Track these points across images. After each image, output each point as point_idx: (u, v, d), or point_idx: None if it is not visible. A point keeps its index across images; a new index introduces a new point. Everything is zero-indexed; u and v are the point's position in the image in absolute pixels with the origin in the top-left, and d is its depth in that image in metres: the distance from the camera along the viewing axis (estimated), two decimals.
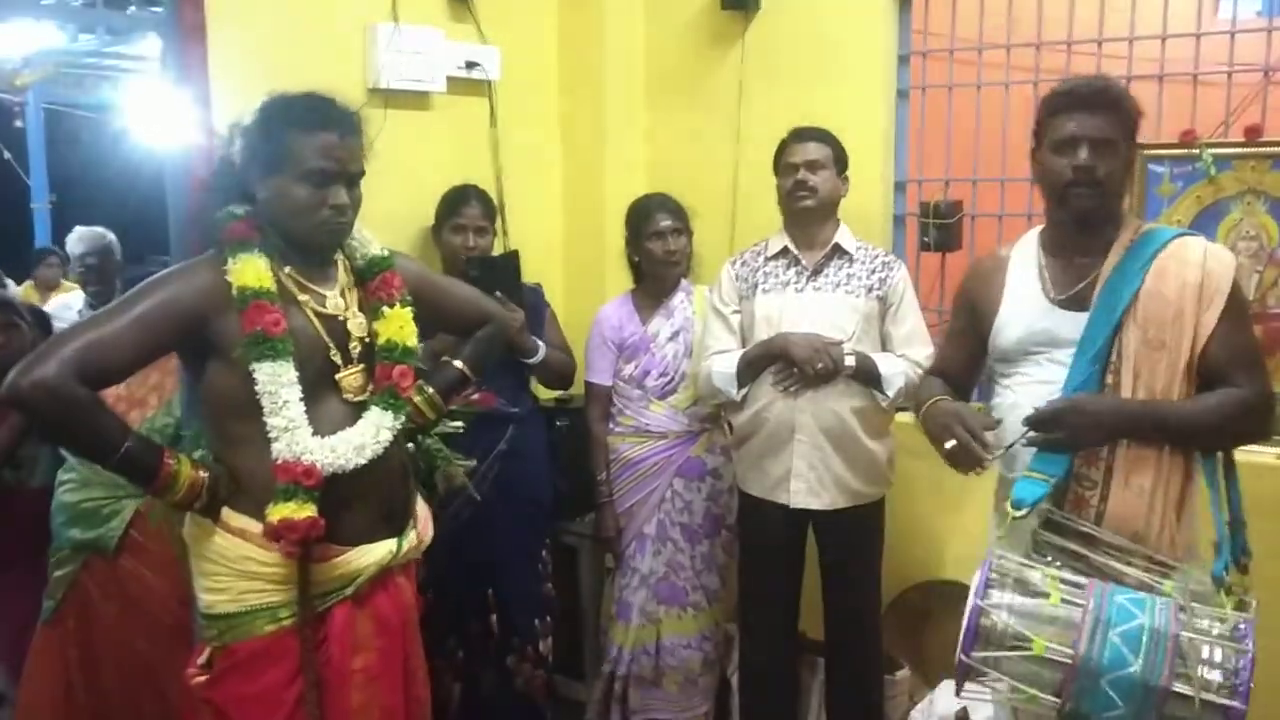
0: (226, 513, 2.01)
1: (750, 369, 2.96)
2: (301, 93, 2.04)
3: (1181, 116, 2.98)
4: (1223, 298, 2.06)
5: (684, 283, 3.34)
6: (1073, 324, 2.12)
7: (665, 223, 3.22)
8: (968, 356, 2.38)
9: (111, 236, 4.35)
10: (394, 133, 3.18)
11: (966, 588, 2.34)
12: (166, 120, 2.86)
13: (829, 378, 2.87)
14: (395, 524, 2.14)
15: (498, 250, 3.35)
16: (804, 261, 3.00)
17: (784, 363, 2.91)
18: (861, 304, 2.96)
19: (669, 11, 3.77)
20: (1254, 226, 2.87)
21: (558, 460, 3.43)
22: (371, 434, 2.04)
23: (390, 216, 3.24)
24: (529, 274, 3.25)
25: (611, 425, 3.33)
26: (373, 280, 2.16)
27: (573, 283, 3.80)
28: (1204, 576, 1.99)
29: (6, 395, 1.81)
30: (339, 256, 2.15)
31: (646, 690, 3.33)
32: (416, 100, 3.34)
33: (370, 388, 2.10)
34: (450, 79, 3.38)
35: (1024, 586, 1.87)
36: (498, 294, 2.98)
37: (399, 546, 2.12)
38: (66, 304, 5.02)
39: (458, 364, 2.36)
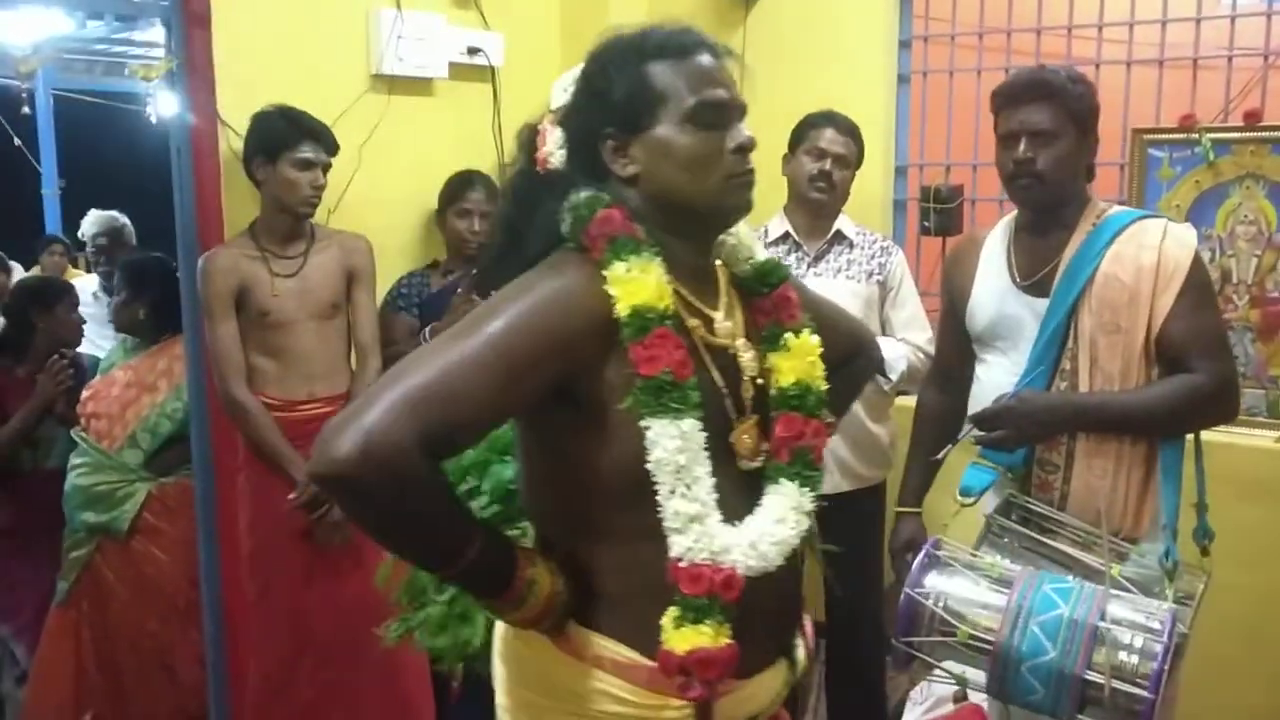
0: (577, 631, 1.41)
1: None
2: (640, 26, 1.49)
3: (1181, 101, 2.98)
4: (1180, 280, 2.05)
5: None
6: (1036, 309, 2.15)
7: None
8: (957, 341, 2.40)
9: (124, 220, 4.41)
10: (397, 119, 3.23)
11: None
12: (173, 107, 2.89)
13: None
14: (788, 638, 1.54)
15: None
16: (806, 248, 3.01)
17: None
18: (862, 289, 2.98)
19: None
20: (1253, 211, 2.88)
21: None
22: (791, 521, 1.43)
23: (393, 202, 3.28)
24: None
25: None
26: (766, 296, 1.55)
27: None
28: (1154, 559, 2.03)
29: (319, 472, 1.22)
30: (717, 262, 1.53)
31: None
32: (419, 86, 3.36)
33: (765, 447, 1.48)
34: (453, 65, 3.40)
35: (958, 574, 1.92)
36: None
37: (793, 671, 1.54)
38: (80, 287, 5.08)
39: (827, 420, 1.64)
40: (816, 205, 2.98)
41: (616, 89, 1.42)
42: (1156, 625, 1.79)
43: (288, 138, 2.75)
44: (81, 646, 3.15)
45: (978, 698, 2.84)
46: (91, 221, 4.42)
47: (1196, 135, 2.89)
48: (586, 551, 1.41)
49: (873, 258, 3.00)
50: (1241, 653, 2.75)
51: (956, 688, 2.91)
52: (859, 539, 3.09)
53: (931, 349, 2.99)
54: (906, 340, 2.96)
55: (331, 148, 2.83)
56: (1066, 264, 2.12)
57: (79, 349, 3.56)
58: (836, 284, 2.97)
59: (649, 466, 1.33)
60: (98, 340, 3.92)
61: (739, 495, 1.42)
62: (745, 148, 1.44)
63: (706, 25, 4.05)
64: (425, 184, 3.29)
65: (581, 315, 1.34)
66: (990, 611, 1.85)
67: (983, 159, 3.32)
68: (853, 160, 2.98)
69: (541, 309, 1.32)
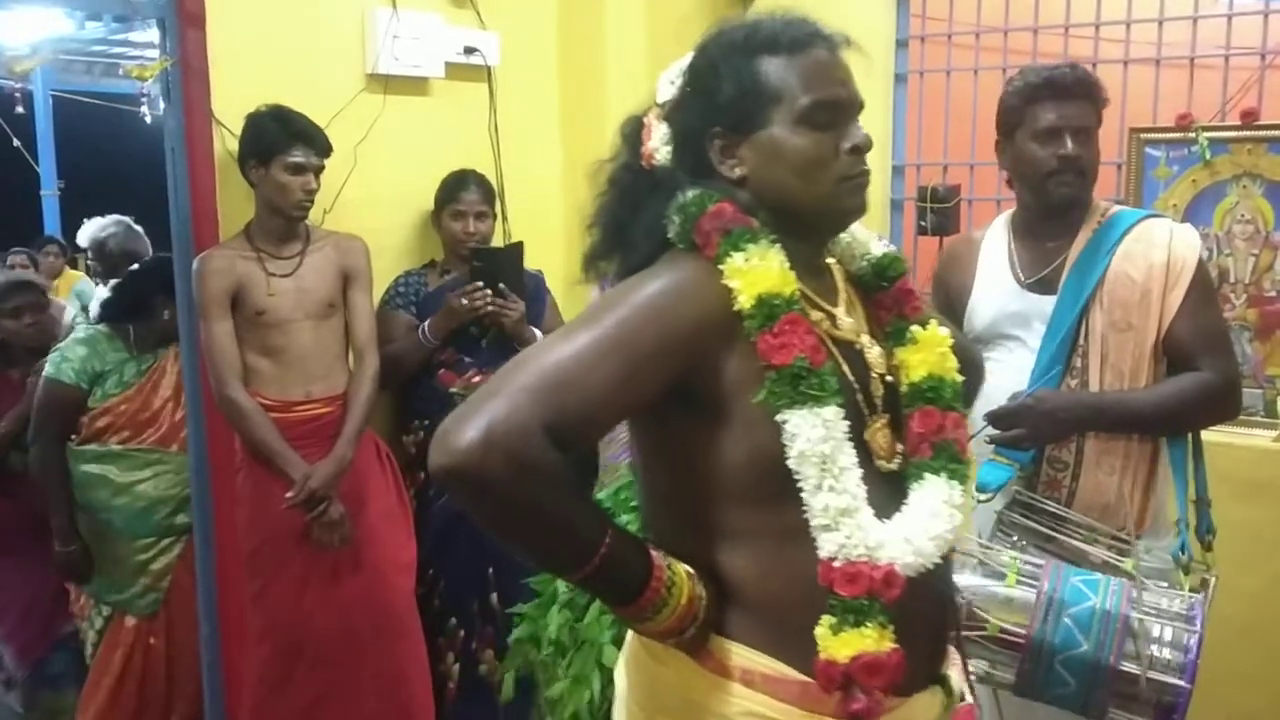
0: (721, 645, 1.30)
1: None
2: (751, 18, 1.41)
3: (1178, 100, 2.98)
4: (1188, 278, 2.07)
5: None
6: (1042, 307, 2.14)
7: None
8: None
9: (111, 229, 4.40)
10: (393, 119, 3.22)
11: None
12: (168, 108, 2.88)
13: None
14: (937, 657, 1.42)
15: (497, 235, 3.37)
16: None
17: None
18: None
19: None
20: (1250, 210, 2.88)
21: None
22: (945, 515, 1.34)
23: (389, 202, 3.28)
24: (529, 260, 3.26)
25: None
26: (886, 291, 1.49)
27: (573, 269, 3.78)
28: (1165, 554, 2.03)
29: (442, 465, 1.15)
30: (832, 261, 1.48)
31: None
32: (415, 86, 3.36)
33: (900, 447, 1.40)
34: (449, 65, 3.39)
35: (983, 569, 1.91)
36: (500, 285, 3.01)
37: (949, 697, 1.40)
38: (81, 290, 5.10)
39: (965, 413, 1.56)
40: None
41: (725, 86, 1.35)
42: (1184, 616, 1.79)
43: (279, 141, 2.75)
44: (152, 657, 3.15)
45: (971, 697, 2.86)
46: (82, 234, 4.44)
47: (1193, 134, 2.89)
48: (722, 560, 1.31)
49: None
50: (1239, 652, 2.74)
51: None
52: None
53: None
54: None
55: (323, 150, 2.83)
56: (1074, 262, 2.12)
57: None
58: None
59: (790, 461, 1.25)
60: None
61: (881, 497, 1.31)
62: (861, 149, 1.37)
63: (703, 25, 4.04)
64: (421, 184, 3.28)
65: (700, 310, 1.28)
66: (1015, 607, 1.84)
67: (980, 159, 3.32)
68: None
69: (659, 304, 1.27)
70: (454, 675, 3.23)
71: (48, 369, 3.14)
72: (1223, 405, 2.15)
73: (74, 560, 3.14)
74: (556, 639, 1.74)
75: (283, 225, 2.84)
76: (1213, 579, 2.00)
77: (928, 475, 1.37)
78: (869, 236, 1.52)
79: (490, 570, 3.27)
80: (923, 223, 3.33)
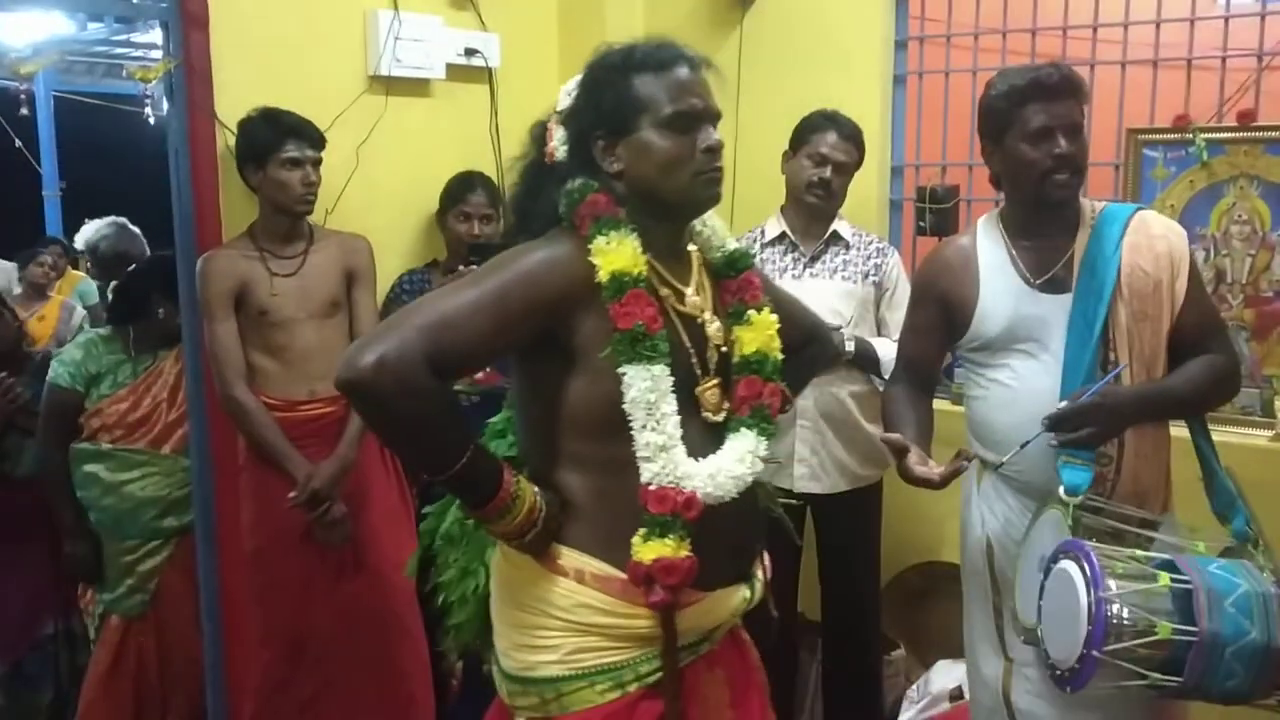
0: (563, 551, 1.63)
1: None
2: (630, 42, 1.71)
3: (1175, 101, 2.99)
4: (1187, 267, 2.14)
5: None
6: (1056, 306, 2.15)
7: None
8: (934, 348, 2.38)
9: (105, 231, 4.42)
10: (394, 120, 3.25)
11: (959, 569, 2.40)
12: (171, 109, 2.90)
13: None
14: (744, 566, 1.77)
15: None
16: (802, 248, 3.02)
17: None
18: (858, 290, 2.99)
19: None
20: (1247, 211, 2.89)
21: None
22: (747, 462, 1.68)
23: (391, 203, 3.29)
24: None
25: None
26: (733, 279, 1.81)
27: None
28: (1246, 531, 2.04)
29: (344, 378, 1.47)
30: (692, 248, 1.79)
31: None
32: (416, 87, 3.37)
33: (726, 405, 1.73)
34: (450, 66, 3.41)
35: (1119, 572, 1.84)
36: None
37: (751, 592, 1.76)
38: (85, 291, 5.10)
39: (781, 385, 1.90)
40: (813, 209, 2.99)
41: (606, 97, 1.65)
42: None
43: (272, 140, 2.77)
44: (145, 658, 3.15)
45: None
46: (79, 236, 4.45)
47: (1191, 135, 2.90)
48: (569, 481, 1.65)
49: (869, 259, 3.02)
50: None
51: (953, 686, 2.96)
52: (857, 538, 3.11)
53: None
54: None
55: (317, 143, 2.85)
56: (1081, 259, 2.14)
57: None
58: (832, 285, 2.99)
59: (625, 405, 1.58)
60: None
61: (704, 442, 1.67)
62: (714, 149, 1.66)
63: (703, 26, 4.10)
64: (423, 185, 3.30)
65: (567, 278, 1.60)
66: (1172, 606, 1.79)
67: (978, 159, 3.32)
68: (853, 166, 2.99)
69: (534, 271, 1.59)
70: (457, 674, 3.25)
71: (49, 374, 3.15)
72: (1234, 383, 2.26)
73: (79, 559, 3.15)
74: (448, 532, 1.89)
75: (287, 224, 2.86)
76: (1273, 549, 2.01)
77: (743, 429, 1.70)
78: (725, 231, 1.84)
79: None
80: (921, 223, 3.33)
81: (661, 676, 1.63)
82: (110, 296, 3.34)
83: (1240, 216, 2.89)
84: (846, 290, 2.99)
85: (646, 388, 1.58)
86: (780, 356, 1.77)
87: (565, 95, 1.74)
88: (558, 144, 1.72)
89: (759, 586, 1.78)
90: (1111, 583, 1.81)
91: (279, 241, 2.87)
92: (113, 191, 5.33)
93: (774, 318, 1.78)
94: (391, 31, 3.20)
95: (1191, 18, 2.99)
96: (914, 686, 3.19)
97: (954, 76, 3.40)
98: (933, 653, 3.28)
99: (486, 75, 3.54)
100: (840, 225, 3.04)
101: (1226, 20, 2.95)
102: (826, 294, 2.97)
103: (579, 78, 1.72)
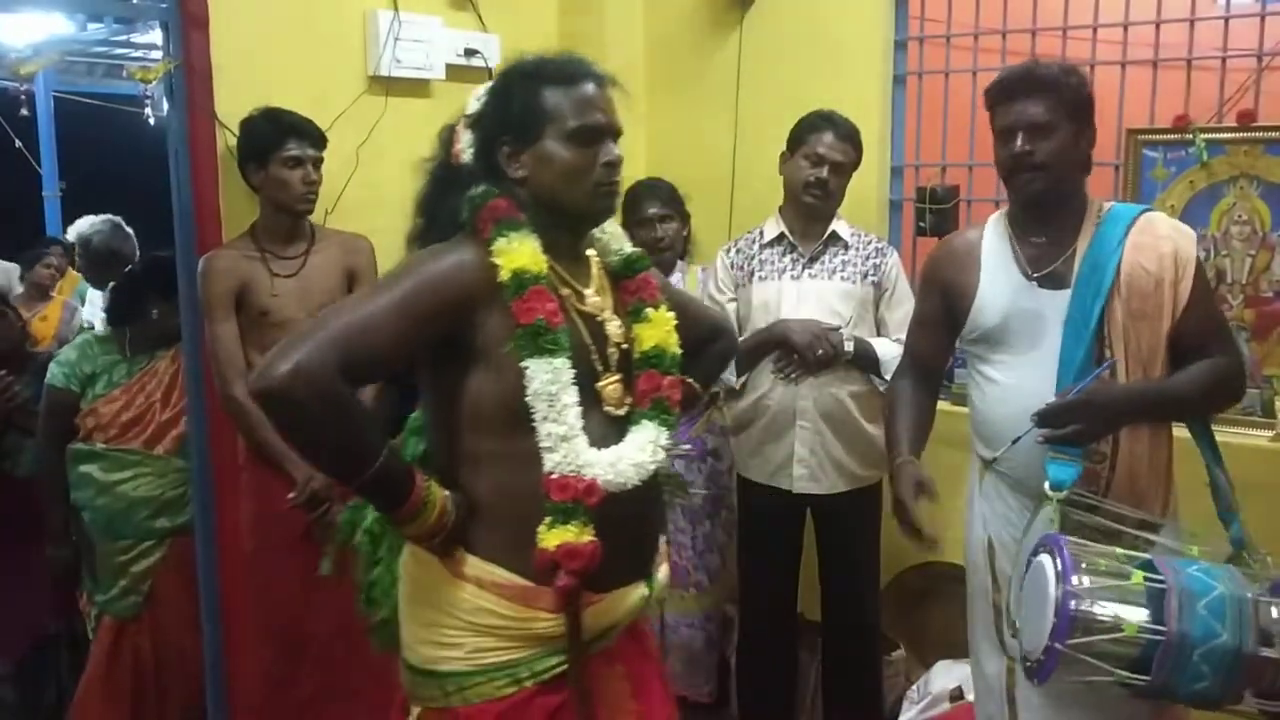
0: (468, 560, 1.70)
1: (750, 356, 2.98)
2: (540, 54, 1.78)
3: (1175, 101, 2.99)
4: (1192, 269, 2.12)
5: (680, 264, 3.38)
6: (1055, 302, 2.15)
7: (651, 210, 3.25)
8: (939, 341, 2.40)
9: (99, 227, 4.42)
10: (394, 120, 3.25)
11: (962, 569, 2.40)
12: (171, 110, 2.90)
13: (829, 364, 2.90)
14: (645, 562, 1.82)
15: None
16: (801, 249, 3.02)
17: (784, 350, 2.94)
18: (857, 290, 2.99)
19: None
20: (1247, 211, 2.89)
21: None
22: (648, 451, 1.74)
23: (390, 203, 3.26)
24: None
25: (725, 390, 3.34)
26: (630, 280, 1.89)
27: None
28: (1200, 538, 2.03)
29: (258, 386, 1.51)
30: (591, 252, 1.86)
31: None
32: (416, 88, 3.38)
33: (629, 400, 1.80)
34: (450, 66, 3.42)
35: (1094, 568, 1.85)
36: None
37: (650, 589, 1.81)
38: (84, 293, 5.09)
39: (689, 380, 2.02)
40: (811, 209, 2.99)
41: (514, 106, 1.72)
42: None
43: (273, 139, 2.77)
44: (140, 659, 3.14)
45: (972, 697, 2.87)
46: (72, 229, 4.44)
47: (1191, 136, 2.91)
48: (474, 480, 1.70)
49: (867, 259, 3.02)
50: None
51: (953, 686, 2.96)
52: (856, 538, 3.11)
53: None
54: (901, 340, 2.96)
55: (318, 142, 2.85)
56: (1083, 255, 2.14)
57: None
58: (831, 285, 2.99)
59: (527, 398, 1.64)
60: None
61: (607, 435, 1.73)
62: (613, 164, 1.74)
63: (702, 27, 4.11)
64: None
65: (469, 279, 1.66)
66: (1143, 604, 1.79)
67: (978, 159, 3.34)
68: (850, 166, 2.99)
69: (438, 278, 1.65)
70: None
71: (46, 375, 3.16)
72: (1238, 387, 2.24)
73: (61, 562, 3.16)
74: (370, 528, 1.92)
75: (289, 223, 2.86)
76: (1269, 558, 2.00)
77: (644, 421, 1.77)
78: (622, 236, 1.92)
79: None
80: (921, 223, 3.34)
81: (559, 673, 1.71)
82: (107, 297, 3.33)
83: (1240, 217, 2.90)
84: (845, 290, 2.99)
85: (548, 380, 1.64)
86: (679, 351, 1.85)
87: (475, 100, 1.80)
88: (465, 147, 1.78)
89: (658, 585, 1.84)
90: (1086, 579, 1.83)
91: (280, 242, 2.87)
92: (113, 192, 5.32)
93: (671, 315, 1.86)
94: (391, 32, 3.21)
95: (1191, 18, 3.00)
96: (914, 687, 3.19)
97: (954, 77, 3.40)
98: (933, 653, 3.28)
99: (486, 76, 3.53)
100: (839, 225, 3.04)
101: (1226, 20, 2.96)
102: (825, 294, 2.97)
103: (490, 84, 1.80)
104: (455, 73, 3.45)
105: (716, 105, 3.71)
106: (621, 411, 1.78)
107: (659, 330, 1.84)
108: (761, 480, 3.07)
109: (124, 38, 5.01)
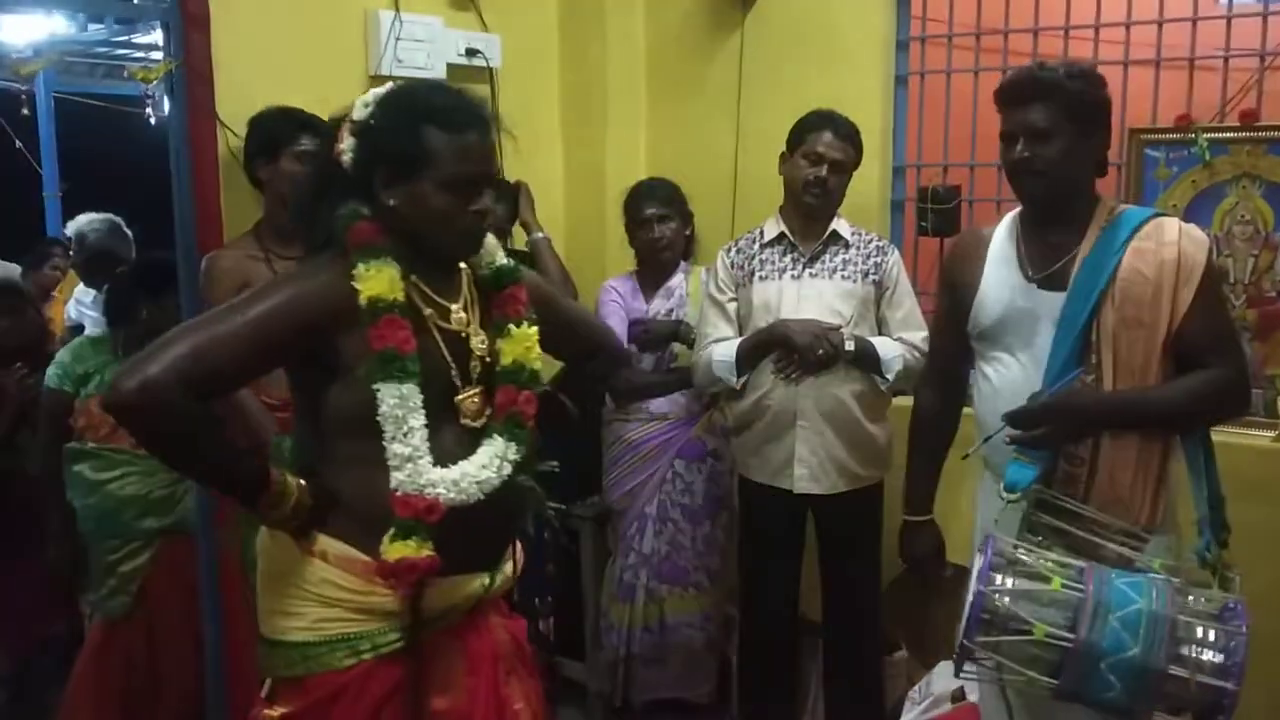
0: (315, 535, 1.82)
1: (750, 356, 2.97)
2: (430, 84, 1.87)
3: (1178, 101, 2.99)
4: (1199, 277, 2.09)
5: (683, 264, 3.38)
6: (1051, 303, 2.15)
7: (650, 210, 3.25)
8: (956, 340, 2.39)
9: (96, 224, 4.42)
10: None
11: (965, 570, 2.39)
12: (172, 110, 2.90)
13: (830, 363, 2.89)
14: (491, 557, 1.94)
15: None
16: (801, 248, 3.02)
17: (784, 350, 2.93)
18: (858, 289, 2.99)
19: None
20: (1249, 211, 2.89)
21: (559, 442, 3.46)
22: (494, 466, 1.84)
23: None
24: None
25: (614, 406, 3.36)
26: (499, 294, 1.96)
27: (573, 268, 3.82)
28: (1187, 551, 2.03)
29: (111, 399, 1.62)
30: (462, 265, 1.94)
31: (650, 669, 3.38)
32: None
33: (489, 412, 1.89)
34: (451, 66, 3.41)
35: (1024, 570, 1.89)
36: None
37: (491, 580, 1.93)
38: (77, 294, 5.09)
39: (561, 396, 2.14)
40: (811, 209, 2.99)
41: (396, 140, 1.77)
42: (1220, 616, 1.79)
43: (285, 133, 2.77)
44: (130, 659, 3.12)
45: (974, 697, 2.86)
46: (70, 224, 4.44)
47: (1193, 135, 2.90)
48: (335, 475, 1.82)
49: (868, 258, 3.01)
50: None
51: (955, 687, 2.95)
52: (857, 539, 3.11)
53: (927, 347, 3.00)
54: (902, 339, 2.97)
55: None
56: (1083, 259, 2.13)
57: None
58: (832, 284, 2.98)
59: (378, 418, 1.74)
60: None
61: (462, 446, 1.83)
62: (482, 213, 1.82)
63: (703, 27, 4.10)
64: None
65: (328, 303, 1.75)
66: (1059, 610, 1.83)
67: (980, 159, 3.33)
68: (850, 165, 2.98)
69: (295, 298, 1.74)
70: None
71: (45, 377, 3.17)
72: (1234, 402, 2.19)
73: (58, 562, 3.17)
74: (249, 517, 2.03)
75: None
76: (1236, 577, 2.00)
77: (495, 435, 1.86)
78: (496, 248, 1.97)
79: None
80: (923, 224, 3.33)
81: (397, 649, 1.82)
82: (104, 297, 3.34)
83: (1243, 217, 2.89)
84: (846, 290, 2.98)
85: (395, 404, 1.74)
86: (538, 367, 1.93)
87: (362, 106, 1.82)
88: (346, 150, 1.80)
89: (501, 578, 1.94)
90: (1010, 580, 1.87)
91: (285, 241, 2.86)
92: (114, 193, 5.32)
93: (534, 331, 1.93)
94: (392, 32, 3.21)
95: (1194, 17, 2.99)
96: (916, 688, 3.18)
97: (956, 77, 3.40)
98: (934, 653, 3.28)
99: (488, 75, 3.53)
100: (839, 225, 3.04)
101: (1229, 20, 2.95)
102: (826, 293, 2.97)
103: (380, 95, 1.82)
104: (457, 73, 3.45)
105: (718, 106, 3.71)
106: (479, 423, 1.87)
107: (519, 346, 1.91)
108: (762, 480, 3.06)
109: (124, 38, 5.01)
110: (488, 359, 1.89)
